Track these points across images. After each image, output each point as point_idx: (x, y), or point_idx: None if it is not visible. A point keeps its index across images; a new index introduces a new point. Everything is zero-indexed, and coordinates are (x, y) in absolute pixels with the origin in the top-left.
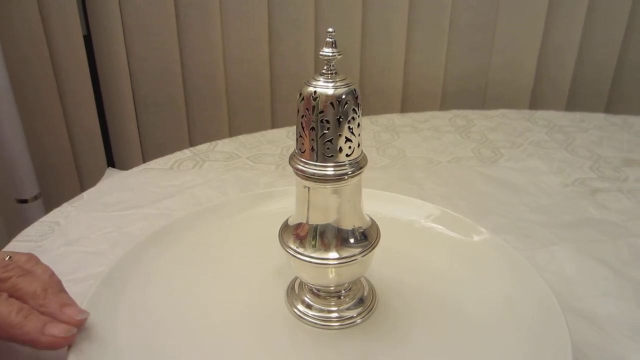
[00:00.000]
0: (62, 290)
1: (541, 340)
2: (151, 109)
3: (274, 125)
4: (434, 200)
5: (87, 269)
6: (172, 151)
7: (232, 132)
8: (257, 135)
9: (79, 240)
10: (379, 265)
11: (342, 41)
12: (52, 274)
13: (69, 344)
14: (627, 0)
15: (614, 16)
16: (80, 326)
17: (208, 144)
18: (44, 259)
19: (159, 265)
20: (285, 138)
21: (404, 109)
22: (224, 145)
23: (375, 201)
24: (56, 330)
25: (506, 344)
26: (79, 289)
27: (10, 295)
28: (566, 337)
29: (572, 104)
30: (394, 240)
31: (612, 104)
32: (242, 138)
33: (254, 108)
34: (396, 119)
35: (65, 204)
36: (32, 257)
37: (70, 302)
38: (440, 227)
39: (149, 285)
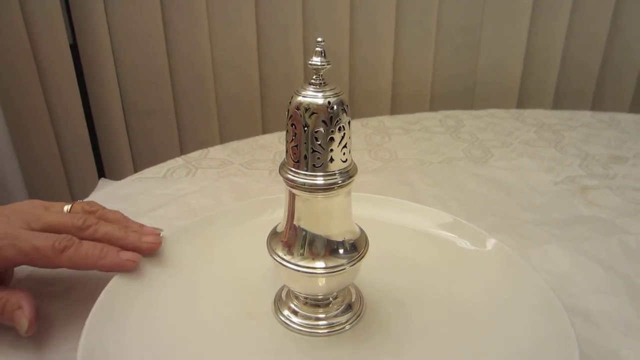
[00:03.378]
0: None
1: (545, 344)
2: (141, 116)
3: (264, 130)
4: (427, 202)
5: (79, 276)
6: (163, 158)
7: (223, 138)
8: (249, 141)
9: None
10: (367, 270)
11: (330, 45)
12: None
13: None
14: (610, 1)
15: (598, 17)
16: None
17: (200, 151)
18: (40, 272)
19: (159, 274)
20: (277, 143)
21: (394, 111)
22: (216, 152)
23: (365, 205)
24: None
25: (508, 348)
26: (71, 295)
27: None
28: (572, 340)
29: (558, 103)
30: (384, 243)
31: (597, 103)
32: (234, 144)
33: (244, 113)
34: (386, 121)
35: None
36: (95, 202)
37: (143, 225)
38: (433, 228)
39: (151, 293)
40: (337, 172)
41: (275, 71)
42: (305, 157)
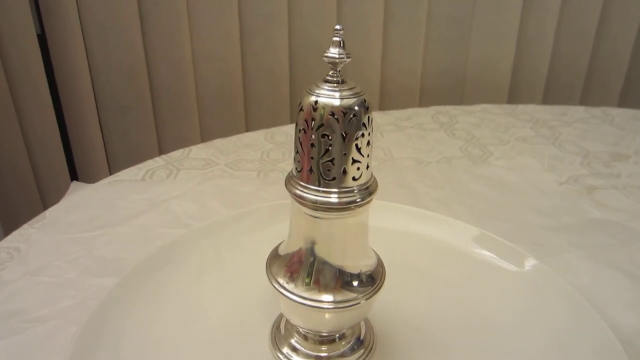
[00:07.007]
0: None
1: None
2: (116, 112)
3: (248, 126)
4: (430, 206)
5: (54, 304)
6: (140, 158)
7: (204, 135)
8: (233, 139)
9: (43, 268)
10: (380, 293)
11: (316, 37)
12: None
13: None
14: None
15: (587, 10)
16: None
17: (182, 150)
18: (3, 293)
19: (143, 301)
20: (263, 141)
21: (382, 106)
22: (199, 151)
23: (381, 214)
24: None
25: None
26: (47, 328)
27: None
28: None
29: (548, 97)
30: (401, 260)
31: (586, 97)
32: (218, 142)
33: (226, 108)
34: (377, 117)
35: (25, 225)
36: None
37: None
38: (460, 244)
39: (135, 326)
40: (355, 188)
41: (259, 64)
42: (345, 171)
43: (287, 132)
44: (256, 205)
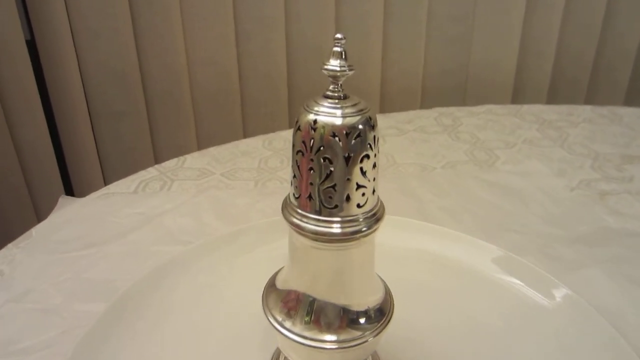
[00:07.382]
0: None
1: None
2: (109, 119)
3: (245, 131)
4: (436, 216)
5: (38, 334)
6: (135, 164)
7: (200, 140)
8: (230, 146)
9: (27, 293)
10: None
11: (314, 39)
12: None
13: None
14: None
15: (592, 6)
16: None
17: (176, 159)
18: None
19: (134, 329)
20: (261, 148)
21: (383, 108)
22: (194, 161)
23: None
24: None
25: None
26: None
27: None
28: None
29: (553, 94)
30: (413, 281)
31: (592, 93)
32: (214, 150)
33: (222, 113)
34: (378, 120)
35: (9, 245)
36: None
37: None
38: (483, 268)
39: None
40: (360, 215)
41: (256, 67)
42: (348, 197)
43: (285, 138)
44: (253, 220)
